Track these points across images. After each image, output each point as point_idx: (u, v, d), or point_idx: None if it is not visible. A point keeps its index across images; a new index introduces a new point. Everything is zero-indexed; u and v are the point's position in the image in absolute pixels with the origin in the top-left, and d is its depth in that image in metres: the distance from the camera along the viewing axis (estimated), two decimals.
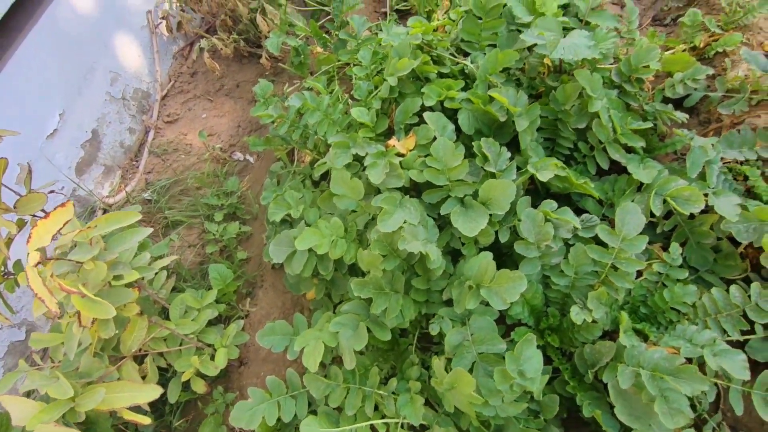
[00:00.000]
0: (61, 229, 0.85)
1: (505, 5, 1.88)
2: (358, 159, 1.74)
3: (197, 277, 2.34)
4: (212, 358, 1.81)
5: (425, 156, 1.64)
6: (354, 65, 2.09)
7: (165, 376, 1.92)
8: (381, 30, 2.29)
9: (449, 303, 1.54)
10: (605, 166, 1.69)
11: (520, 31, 1.89)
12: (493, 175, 1.49)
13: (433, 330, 1.45)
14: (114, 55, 2.57)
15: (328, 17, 3.09)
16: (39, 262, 0.85)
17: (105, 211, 2.48)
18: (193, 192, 2.61)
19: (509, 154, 1.49)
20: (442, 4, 2.40)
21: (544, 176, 1.42)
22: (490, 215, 1.40)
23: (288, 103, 1.86)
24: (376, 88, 1.98)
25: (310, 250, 1.67)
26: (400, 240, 1.33)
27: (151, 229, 1.22)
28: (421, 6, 2.46)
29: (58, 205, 0.87)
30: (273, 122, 2.21)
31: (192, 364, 1.68)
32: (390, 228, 1.38)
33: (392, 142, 1.69)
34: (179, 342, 1.74)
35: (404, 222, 1.39)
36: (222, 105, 2.92)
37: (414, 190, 1.67)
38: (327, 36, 2.62)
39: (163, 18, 2.78)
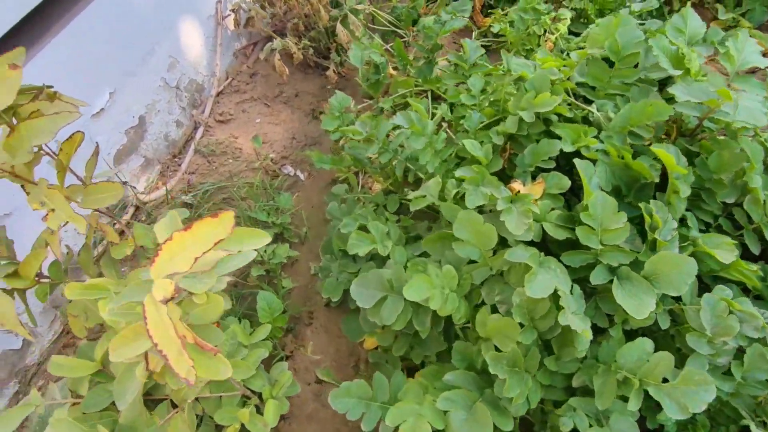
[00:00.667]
0: (208, 251, 0.57)
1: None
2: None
3: (229, 302, 2.02)
4: (258, 409, 1.48)
5: (555, 208, 1.40)
6: (457, 93, 1.88)
7: None
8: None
9: (576, 391, 1.26)
10: (756, 250, 1.47)
11: (653, 85, 1.72)
12: (654, 244, 1.25)
13: (565, 425, 1.16)
14: (176, 40, 2.32)
15: (401, 40, 2.91)
16: (170, 299, 0.56)
17: (137, 208, 2.16)
18: (238, 202, 2.31)
19: (675, 223, 1.25)
20: (544, 44, 2.23)
21: (724, 257, 1.18)
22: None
23: (393, 122, 1.61)
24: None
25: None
26: (561, 314, 1.06)
27: (268, 238, 0.90)
28: (518, 43, 2.29)
29: (208, 215, 0.58)
30: (339, 140, 1.97)
31: (239, 418, 1.35)
32: (540, 293, 1.11)
33: (516, 186, 1.45)
34: (224, 386, 1.41)
35: (555, 288, 1.13)
36: (279, 113, 2.67)
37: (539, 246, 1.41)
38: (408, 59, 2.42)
39: (233, 11, 2.55)
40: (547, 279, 1.14)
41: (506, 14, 2.74)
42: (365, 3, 2.49)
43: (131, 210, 2.11)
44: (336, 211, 1.98)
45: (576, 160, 1.33)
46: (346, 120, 2.13)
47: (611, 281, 1.20)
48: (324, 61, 2.82)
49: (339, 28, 2.40)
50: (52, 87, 1.13)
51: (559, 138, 1.47)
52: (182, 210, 1.77)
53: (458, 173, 1.42)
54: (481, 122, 1.69)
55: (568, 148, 1.43)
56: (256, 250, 2.01)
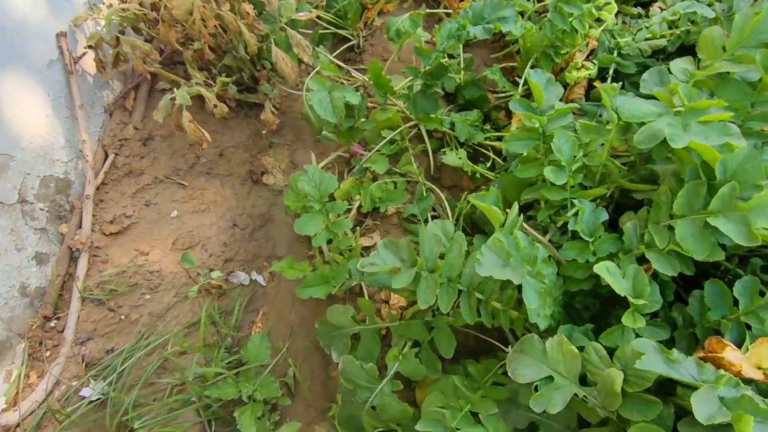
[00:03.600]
0: None
1: None
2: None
3: None
4: None
5: None
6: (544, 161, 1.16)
7: None
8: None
9: None
10: None
11: None
12: None
13: None
14: None
15: (347, 44, 2.09)
16: None
17: None
18: (175, 361, 1.44)
19: None
20: (584, 43, 1.57)
21: None
22: None
23: (479, 263, 0.87)
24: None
25: None
26: None
27: None
28: (541, 47, 1.58)
29: None
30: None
31: None
32: None
33: (731, 356, 0.81)
34: None
35: None
36: (202, 190, 1.76)
37: None
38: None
39: (91, 47, 1.55)
40: None
41: None
42: (308, 8, 1.62)
43: None
44: (359, 375, 1.22)
45: None
46: (319, 218, 1.33)
47: None
48: (251, 96, 1.93)
49: (277, 54, 1.53)
50: None
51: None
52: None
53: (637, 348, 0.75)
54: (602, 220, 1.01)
55: None
56: None
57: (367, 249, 1.59)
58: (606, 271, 0.92)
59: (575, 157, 1.08)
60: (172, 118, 1.52)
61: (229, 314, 1.62)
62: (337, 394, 1.42)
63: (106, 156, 1.64)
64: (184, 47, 1.66)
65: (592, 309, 1.10)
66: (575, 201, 1.03)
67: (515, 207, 1.06)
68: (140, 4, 1.54)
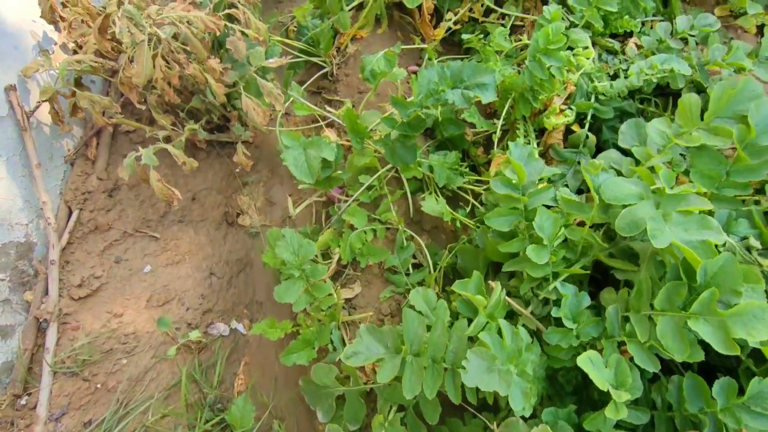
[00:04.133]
0: None
1: None
2: None
3: None
4: None
5: None
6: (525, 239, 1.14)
7: None
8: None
9: None
10: None
11: None
12: None
13: None
14: None
15: (321, 71, 2.03)
16: None
17: None
18: (157, 429, 1.41)
19: None
20: (562, 88, 1.55)
21: None
22: None
23: (464, 372, 0.87)
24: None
25: None
26: None
27: None
28: (513, 87, 1.56)
29: None
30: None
31: None
32: None
33: None
34: None
35: None
36: (176, 240, 1.70)
37: None
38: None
39: (46, 100, 1.44)
40: None
41: (464, 26, 1.98)
42: (279, 50, 1.55)
43: None
44: None
45: None
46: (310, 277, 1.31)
47: None
48: (222, 136, 1.85)
49: (247, 104, 1.46)
50: None
51: None
52: None
53: None
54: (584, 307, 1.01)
55: None
56: None
57: (348, 301, 1.58)
58: (589, 363, 0.93)
59: (557, 234, 1.08)
60: (138, 173, 1.45)
61: (211, 368, 1.59)
62: None
63: (70, 212, 1.56)
64: (147, 92, 1.57)
65: (574, 381, 1.11)
66: (558, 286, 1.03)
67: (498, 288, 1.06)
68: (95, 53, 1.44)
